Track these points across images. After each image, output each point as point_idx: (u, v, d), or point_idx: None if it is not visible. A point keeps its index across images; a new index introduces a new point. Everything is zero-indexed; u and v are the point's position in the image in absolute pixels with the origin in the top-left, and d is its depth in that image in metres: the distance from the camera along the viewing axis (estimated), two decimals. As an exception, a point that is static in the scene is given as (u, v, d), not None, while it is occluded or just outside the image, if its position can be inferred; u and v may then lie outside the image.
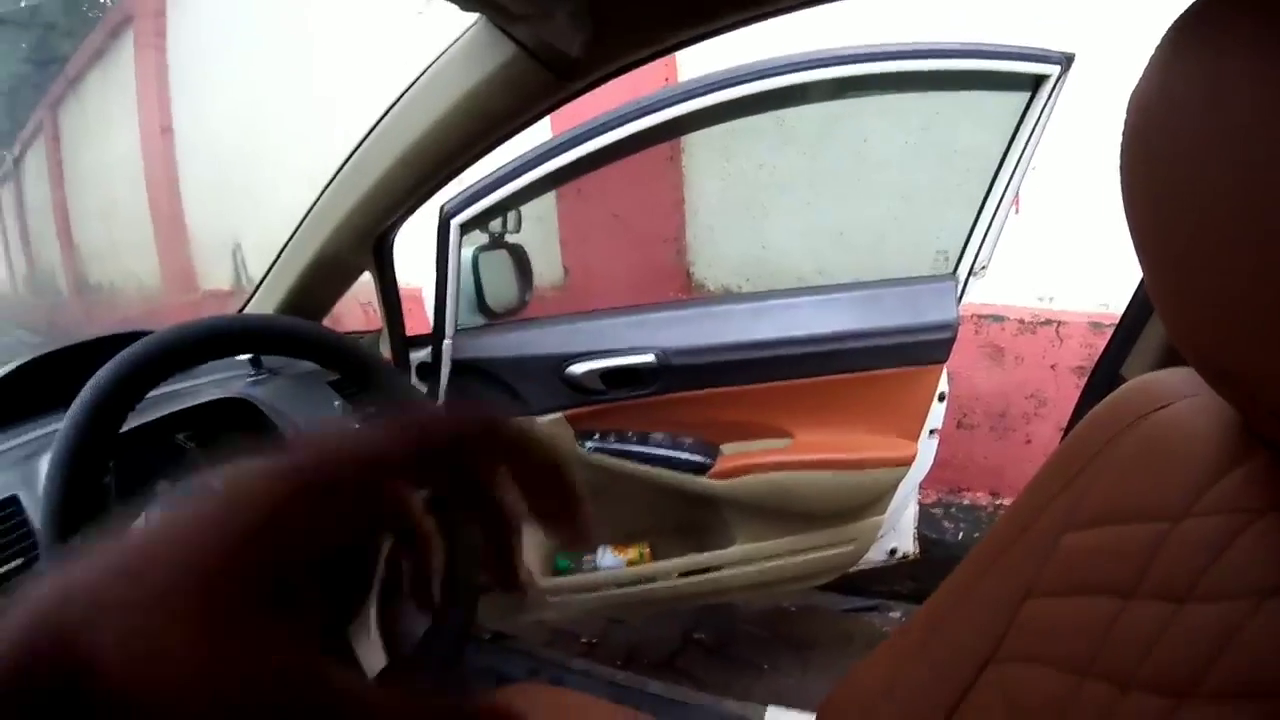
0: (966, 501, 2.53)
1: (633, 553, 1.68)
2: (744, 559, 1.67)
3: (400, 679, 0.87)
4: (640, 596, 1.70)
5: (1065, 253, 2.34)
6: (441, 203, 1.45)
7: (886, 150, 2.12)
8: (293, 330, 0.95)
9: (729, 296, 2.56)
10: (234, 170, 4.85)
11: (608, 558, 1.68)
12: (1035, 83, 1.42)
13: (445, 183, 1.22)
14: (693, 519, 1.68)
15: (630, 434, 1.59)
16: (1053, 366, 2.42)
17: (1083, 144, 2.09)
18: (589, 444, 1.56)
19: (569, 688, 1.37)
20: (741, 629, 2.11)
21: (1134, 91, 0.41)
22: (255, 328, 0.92)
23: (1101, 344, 2.25)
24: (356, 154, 1.21)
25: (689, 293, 2.76)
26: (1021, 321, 2.43)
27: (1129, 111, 0.41)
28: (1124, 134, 0.42)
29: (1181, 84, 0.37)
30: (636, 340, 1.53)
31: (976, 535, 2.34)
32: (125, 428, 1.00)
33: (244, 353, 1.00)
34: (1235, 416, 0.46)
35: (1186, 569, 0.42)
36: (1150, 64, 0.40)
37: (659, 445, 1.58)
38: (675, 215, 2.71)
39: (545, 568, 1.69)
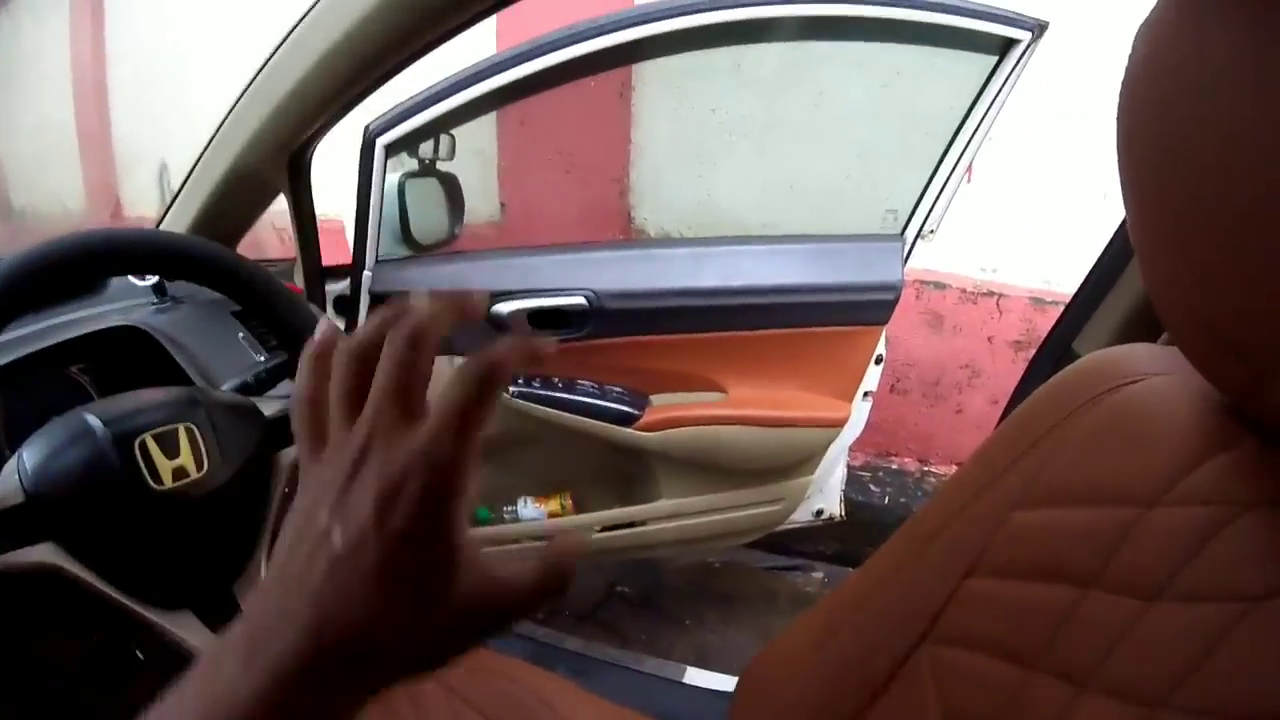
0: (895, 466, 2.54)
1: (554, 504, 1.63)
2: (669, 514, 1.63)
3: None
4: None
5: (1012, 226, 2.34)
6: (367, 122, 1.34)
7: (844, 105, 2.06)
8: (174, 247, 0.83)
9: (669, 241, 2.49)
10: (166, 82, 4.53)
11: (528, 509, 1.62)
12: (1004, 47, 1.37)
13: (369, 91, 1.10)
14: (618, 471, 1.63)
15: (556, 380, 1.51)
16: (990, 339, 2.43)
17: (1040, 118, 2.07)
18: (512, 389, 1.48)
19: (482, 644, 1.32)
20: (666, 583, 2.10)
21: (1146, 21, 0.37)
22: (125, 244, 0.80)
23: (1041, 320, 2.30)
24: (274, 56, 1.08)
25: (629, 237, 2.68)
26: (963, 291, 2.43)
27: (1137, 42, 0.37)
28: (1129, 66, 0.37)
29: (1202, 7, 0.32)
30: (568, 280, 1.46)
31: (903, 500, 2.35)
32: (12, 358, 0.91)
33: (121, 274, 0.90)
34: (1216, 398, 0.41)
35: (1159, 563, 0.37)
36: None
37: (586, 393, 1.51)
38: (621, 155, 2.61)
39: (464, 517, 1.62)
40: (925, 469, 2.54)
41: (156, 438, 0.74)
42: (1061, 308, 1.09)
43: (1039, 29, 1.33)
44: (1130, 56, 0.37)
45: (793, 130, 2.22)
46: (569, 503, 1.64)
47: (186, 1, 4.40)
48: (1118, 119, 0.38)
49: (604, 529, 1.63)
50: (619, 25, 1.31)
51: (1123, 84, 0.38)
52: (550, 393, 1.50)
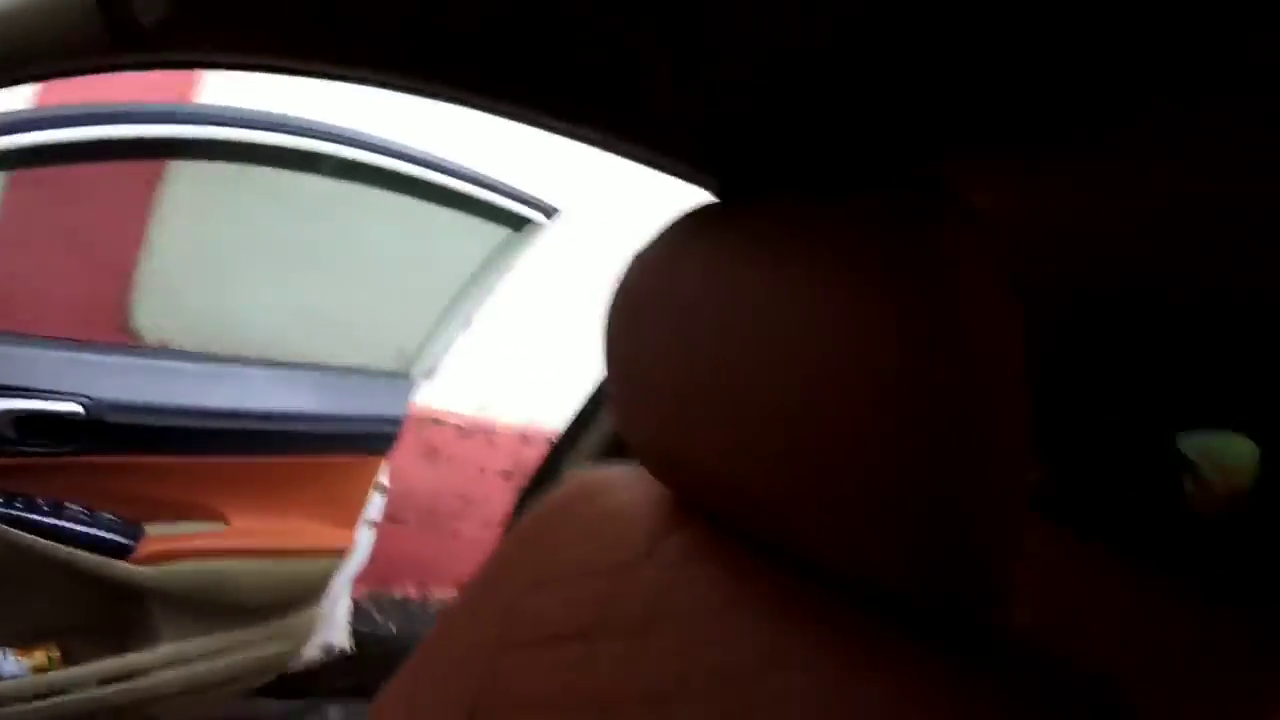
0: (397, 595, 2.57)
1: (39, 656, 1.30)
2: (171, 661, 1.42)
3: None
4: (49, 712, 1.29)
5: (504, 370, 2.66)
6: None
7: (372, 246, 2.16)
8: None
9: (175, 352, 2.22)
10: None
11: (8, 664, 1.25)
12: (521, 223, 1.59)
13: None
14: (113, 613, 1.39)
15: (41, 501, 1.26)
16: (482, 470, 2.67)
17: (539, 284, 2.44)
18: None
19: None
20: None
21: (638, 253, 0.54)
22: None
23: (528, 453, 2.61)
24: None
25: (124, 337, 2.33)
26: (459, 427, 2.65)
27: (632, 264, 0.54)
28: (623, 281, 0.54)
29: (681, 245, 0.52)
30: (63, 382, 1.25)
31: (411, 628, 2.38)
32: None
33: None
34: (668, 495, 0.58)
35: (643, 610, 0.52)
36: (658, 237, 0.53)
37: (75, 519, 1.28)
38: (133, 248, 2.29)
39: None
40: (426, 595, 2.61)
41: None
42: (545, 443, 1.28)
43: (553, 214, 1.59)
44: (625, 273, 0.54)
45: (321, 261, 2.24)
46: (56, 655, 1.33)
47: None
48: (608, 314, 0.55)
49: (102, 682, 1.35)
50: (158, 118, 1.27)
51: (615, 291, 0.54)
52: (34, 516, 1.25)
